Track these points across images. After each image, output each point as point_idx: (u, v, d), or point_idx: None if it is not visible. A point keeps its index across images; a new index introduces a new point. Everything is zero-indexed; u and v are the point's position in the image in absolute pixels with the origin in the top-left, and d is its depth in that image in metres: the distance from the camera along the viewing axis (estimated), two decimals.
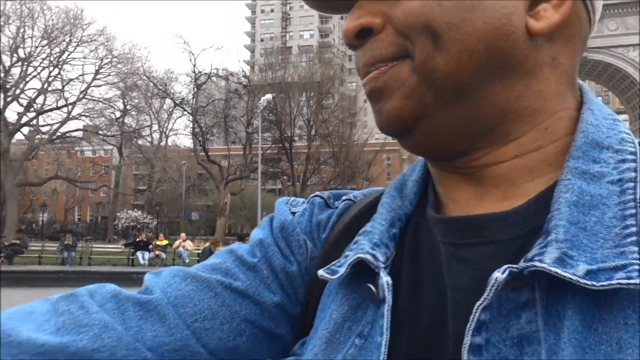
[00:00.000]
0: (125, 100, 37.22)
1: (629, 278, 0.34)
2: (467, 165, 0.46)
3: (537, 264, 0.37)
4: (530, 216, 0.42)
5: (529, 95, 0.44)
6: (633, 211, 0.38)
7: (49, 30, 33.16)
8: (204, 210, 50.85)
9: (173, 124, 40.45)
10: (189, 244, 19.28)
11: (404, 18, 0.43)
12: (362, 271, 0.46)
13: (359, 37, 0.46)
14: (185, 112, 36.72)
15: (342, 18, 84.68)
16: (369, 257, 0.46)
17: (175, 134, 58.54)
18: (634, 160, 0.41)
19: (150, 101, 38.36)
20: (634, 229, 0.37)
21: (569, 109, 0.45)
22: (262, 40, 70.35)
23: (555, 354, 0.35)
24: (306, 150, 37.61)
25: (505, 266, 0.38)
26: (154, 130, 41.62)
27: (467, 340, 0.38)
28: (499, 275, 0.37)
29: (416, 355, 0.43)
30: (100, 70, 34.78)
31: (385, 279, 0.44)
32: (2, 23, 30.75)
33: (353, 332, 0.46)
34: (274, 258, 0.56)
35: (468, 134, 0.44)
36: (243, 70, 39.78)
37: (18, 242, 17.10)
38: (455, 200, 0.47)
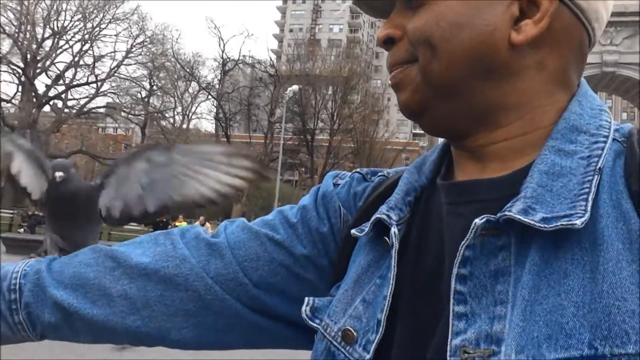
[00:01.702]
0: (152, 81, 37.46)
1: (570, 222, 0.45)
2: (470, 145, 0.57)
3: (507, 213, 0.47)
4: (511, 183, 0.52)
5: (516, 93, 0.54)
6: (591, 177, 0.48)
7: (84, 5, 33.49)
8: None
9: (196, 107, 40.47)
10: (208, 227, 19.50)
11: (413, 32, 0.55)
12: (383, 230, 0.60)
13: (386, 44, 0.58)
14: (209, 97, 36.95)
15: None
16: (384, 216, 0.59)
17: (198, 118, 58.88)
18: (605, 142, 0.51)
19: (176, 83, 38.54)
20: (587, 190, 0.47)
21: (557, 103, 0.55)
22: (291, 30, 70.20)
23: (519, 280, 0.46)
24: (327, 144, 37.57)
25: (484, 215, 0.48)
26: (177, 113, 41.89)
27: (455, 270, 0.49)
28: (478, 221, 0.48)
29: (418, 288, 0.56)
30: (132, 49, 35.06)
31: (393, 230, 0.58)
32: None
33: (375, 275, 0.59)
34: (310, 220, 0.72)
35: (464, 121, 0.56)
36: (271, 59, 39.86)
37: (41, 213, 17.29)
38: (464, 172, 0.59)
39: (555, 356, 0.42)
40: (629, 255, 0.44)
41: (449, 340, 0.47)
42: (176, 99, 40.19)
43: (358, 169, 0.76)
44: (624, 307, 0.42)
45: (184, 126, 42.29)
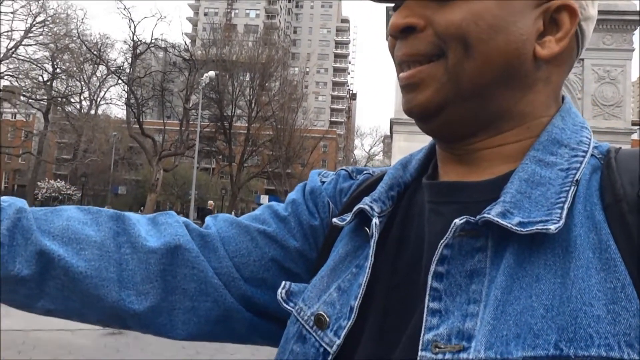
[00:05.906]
0: (55, 63, 35.02)
1: (545, 227, 0.47)
2: (462, 148, 0.58)
3: (486, 215, 0.49)
4: (493, 187, 0.54)
5: (524, 102, 0.56)
6: (568, 188, 0.51)
7: None
8: (133, 184, 49.02)
9: (105, 92, 38.29)
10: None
11: (446, 26, 0.54)
12: (364, 222, 0.61)
13: (403, 32, 0.56)
14: (120, 81, 35.08)
15: (289, 1, 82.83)
16: (366, 207, 0.60)
17: (107, 104, 55.95)
18: (584, 156, 0.54)
19: (82, 66, 36.27)
20: (563, 199, 0.50)
21: (550, 116, 0.58)
22: (206, 14, 68.12)
23: (493, 281, 0.48)
24: (245, 132, 37.01)
25: (464, 216, 0.50)
26: (84, 98, 39.48)
27: (432, 268, 0.50)
28: (457, 221, 0.50)
29: (395, 280, 0.57)
30: (32, 29, 32.48)
31: (374, 220, 0.59)
32: None
33: (352, 264, 0.60)
34: (301, 214, 0.72)
35: (472, 125, 0.57)
36: (186, 44, 38.43)
37: None
38: (447, 174, 0.60)
39: (522, 354, 0.43)
40: (598, 264, 0.46)
41: (421, 334, 0.49)
42: (82, 83, 37.89)
43: (344, 167, 0.76)
44: (590, 312, 0.44)
45: (92, 112, 40.00)
